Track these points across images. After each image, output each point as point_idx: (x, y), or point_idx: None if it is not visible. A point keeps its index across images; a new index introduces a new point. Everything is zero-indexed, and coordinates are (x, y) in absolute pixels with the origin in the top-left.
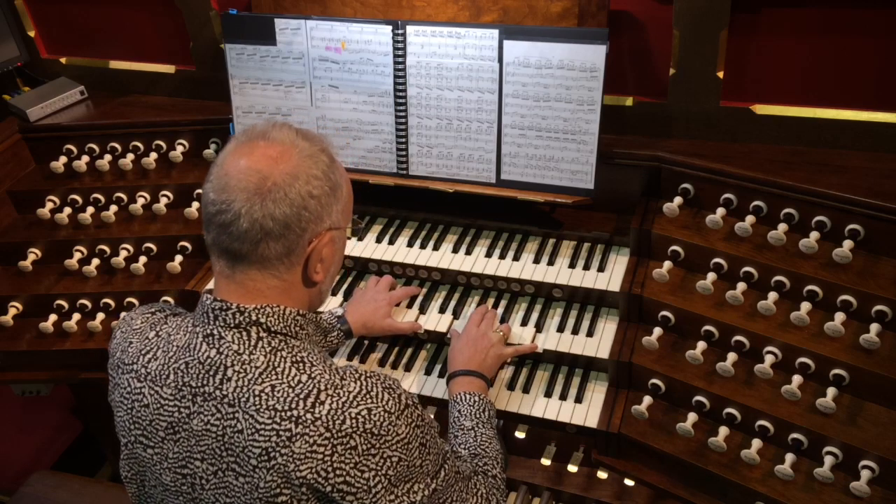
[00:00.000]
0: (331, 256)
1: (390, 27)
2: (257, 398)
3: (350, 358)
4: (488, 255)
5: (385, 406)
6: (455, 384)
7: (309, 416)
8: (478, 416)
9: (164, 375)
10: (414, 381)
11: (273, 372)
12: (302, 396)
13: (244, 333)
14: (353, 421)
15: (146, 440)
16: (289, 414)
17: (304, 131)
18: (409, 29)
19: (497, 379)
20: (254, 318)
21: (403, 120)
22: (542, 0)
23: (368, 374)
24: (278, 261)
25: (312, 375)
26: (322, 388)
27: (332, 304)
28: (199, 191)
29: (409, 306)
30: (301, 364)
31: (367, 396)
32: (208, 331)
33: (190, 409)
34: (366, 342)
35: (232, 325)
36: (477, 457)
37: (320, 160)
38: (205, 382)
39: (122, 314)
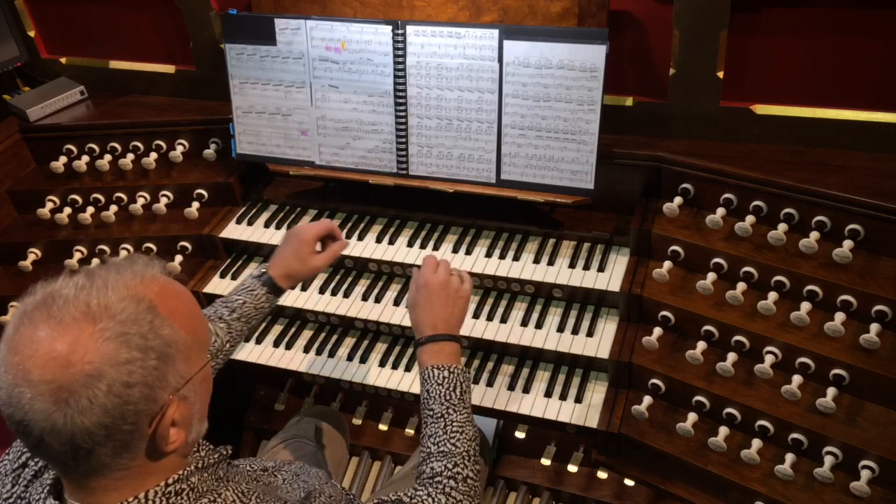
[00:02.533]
0: (188, 412)
1: (390, 27)
2: None
3: (350, 358)
4: (488, 255)
5: None
6: (423, 353)
7: None
8: (447, 396)
9: None
10: (414, 381)
11: None
12: None
13: None
14: None
15: None
16: None
17: (102, 278)
18: (409, 29)
19: (497, 380)
20: None
21: (403, 120)
22: (542, 0)
23: None
24: (115, 458)
25: None
26: None
27: (327, 300)
28: (200, 190)
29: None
30: None
31: None
32: None
33: None
34: (367, 339)
35: None
36: (446, 456)
37: (132, 331)
38: None
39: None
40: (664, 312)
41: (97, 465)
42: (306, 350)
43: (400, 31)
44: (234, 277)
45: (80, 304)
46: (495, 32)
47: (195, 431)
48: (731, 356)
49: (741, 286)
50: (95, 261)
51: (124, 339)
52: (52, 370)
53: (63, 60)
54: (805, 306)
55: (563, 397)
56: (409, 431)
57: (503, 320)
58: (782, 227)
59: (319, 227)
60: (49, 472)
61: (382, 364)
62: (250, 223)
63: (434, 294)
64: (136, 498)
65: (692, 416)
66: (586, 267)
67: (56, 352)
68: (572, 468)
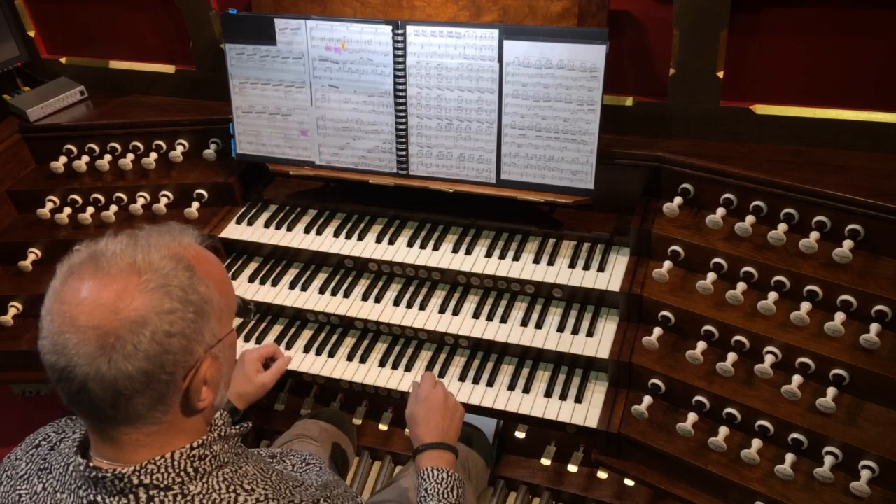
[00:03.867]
0: (217, 373)
1: (390, 27)
2: None
3: (350, 358)
4: (488, 255)
5: None
6: (422, 459)
7: None
8: (445, 495)
9: None
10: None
11: None
12: None
13: (131, 497)
14: None
15: None
16: None
17: (146, 238)
18: (409, 29)
19: (497, 380)
20: (136, 481)
21: (403, 120)
22: (542, 0)
23: None
24: (150, 410)
25: None
26: None
27: (327, 300)
28: (200, 190)
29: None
30: None
31: None
32: (91, 497)
33: None
34: (367, 339)
35: (115, 492)
36: None
37: (173, 284)
38: None
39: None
40: (664, 312)
41: (133, 414)
42: (306, 350)
43: (400, 31)
44: (233, 277)
45: (127, 258)
46: (495, 32)
47: (220, 396)
48: (731, 356)
49: (741, 286)
50: None
51: (166, 291)
52: (100, 316)
53: (63, 60)
54: (805, 306)
55: (563, 397)
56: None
57: (503, 320)
58: (782, 227)
59: (263, 350)
60: (67, 443)
61: (382, 364)
62: (250, 223)
63: (435, 407)
64: (162, 457)
65: (692, 416)
66: (586, 267)
67: (104, 299)
68: (572, 468)
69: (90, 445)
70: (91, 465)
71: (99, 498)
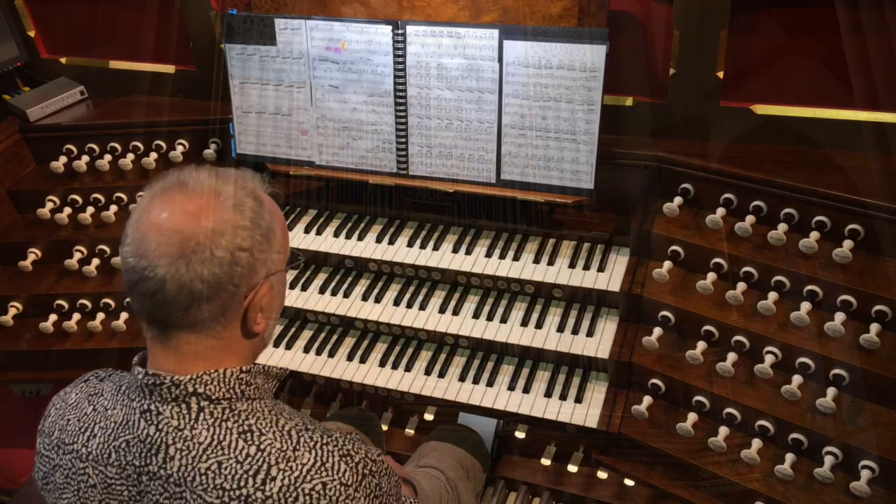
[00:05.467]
0: (271, 303)
1: (390, 27)
2: (203, 476)
3: (350, 358)
4: (488, 255)
5: (341, 479)
6: None
7: (259, 494)
8: None
9: (106, 454)
10: (414, 381)
11: (219, 447)
12: (251, 473)
13: (183, 406)
14: (307, 497)
15: None
16: (238, 493)
17: (225, 173)
18: (409, 29)
19: (497, 380)
20: (191, 389)
21: (403, 120)
22: (541, 0)
23: (325, 441)
24: (213, 321)
25: (262, 447)
26: (273, 461)
27: (327, 300)
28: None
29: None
30: (249, 434)
31: (322, 469)
32: (145, 406)
33: (138, 488)
34: (367, 339)
35: (169, 400)
36: None
37: (247, 207)
38: (148, 461)
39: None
40: (664, 312)
41: (199, 320)
42: (306, 350)
43: (400, 31)
44: None
45: (209, 182)
46: (495, 32)
47: (269, 330)
48: (731, 356)
49: (741, 286)
50: (95, 261)
51: (241, 210)
52: (183, 222)
53: (63, 60)
54: (805, 306)
55: (563, 397)
56: (409, 431)
57: (503, 320)
58: (782, 227)
59: None
60: (115, 378)
61: (382, 364)
62: None
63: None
64: (216, 370)
65: (692, 416)
66: (586, 267)
67: (188, 209)
68: (572, 468)
69: (148, 362)
70: (150, 372)
71: (153, 406)
